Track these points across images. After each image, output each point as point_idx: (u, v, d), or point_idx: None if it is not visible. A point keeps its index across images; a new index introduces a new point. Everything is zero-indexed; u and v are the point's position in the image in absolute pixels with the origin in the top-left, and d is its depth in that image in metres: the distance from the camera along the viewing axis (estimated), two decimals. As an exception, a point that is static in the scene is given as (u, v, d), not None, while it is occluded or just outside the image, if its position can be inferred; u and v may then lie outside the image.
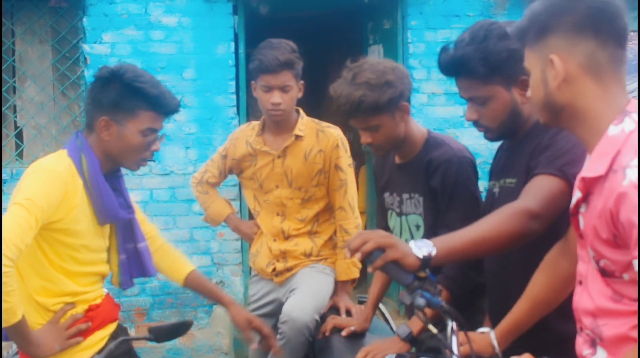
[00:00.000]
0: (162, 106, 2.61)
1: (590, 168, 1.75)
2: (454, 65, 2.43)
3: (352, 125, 2.85)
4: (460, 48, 2.42)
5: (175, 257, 3.07)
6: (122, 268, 2.81)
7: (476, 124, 2.49)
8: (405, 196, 3.00)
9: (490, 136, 2.51)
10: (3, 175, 5.85)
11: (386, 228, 3.10)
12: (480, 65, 2.37)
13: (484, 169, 3.35)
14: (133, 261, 2.83)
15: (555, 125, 1.93)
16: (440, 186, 2.82)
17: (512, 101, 2.42)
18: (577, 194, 1.81)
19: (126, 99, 2.57)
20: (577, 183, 1.81)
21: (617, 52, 1.79)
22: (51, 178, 2.49)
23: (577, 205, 1.82)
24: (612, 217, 1.66)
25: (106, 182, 2.63)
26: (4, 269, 2.25)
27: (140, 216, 2.95)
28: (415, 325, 2.77)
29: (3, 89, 5.96)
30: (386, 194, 3.13)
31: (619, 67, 1.79)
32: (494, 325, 2.42)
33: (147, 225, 2.99)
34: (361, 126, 2.83)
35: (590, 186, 1.75)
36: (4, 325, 2.36)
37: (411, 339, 2.77)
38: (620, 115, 1.75)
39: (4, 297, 2.28)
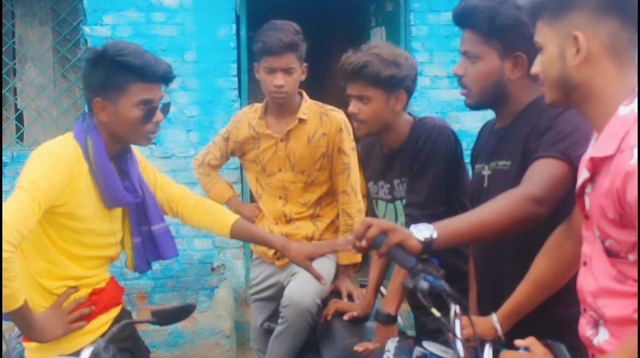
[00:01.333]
0: (148, 74, 2.55)
1: (599, 147, 1.74)
2: (464, 13, 2.44)
3: (348, 92, 2.93)
4: (476, 5, 2.43)
5: (215, 211, 2.98)
6: (136, 251, 2.79)
7: (460, 82, 2.48)
8: (396, 181, 3.04)
9: (469, 102, 2.48)
10: (3, 158, 5.83)
11: (375, 217, 3.12)
12: (485, 20, 2.37)
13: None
14: (148, 245, 2.80)
15: (564, 104, 1.91)
16: (417, 152, 2.90)
17: (500, 71, 2.40)
18: (584, 174, 1.80)
19: (113, 75, 2.53)
20: (586, 162, 1.80)
21: (636, 35, 1.77)
22: (56, 162, 2.47)
23: (583, 185, 1.81)
24: (618, 196, 1.65)
25: (111, 165, 2.60)
26: (4, 255, 2.24)
27: (164, 180, 2.92)
28: (389, 305, 2.84)
29: (3, 72, 5.94)
30: (370, 184, 3.19)
31: (635, 50, 1.78)
32: (483, 311, 2.43)
33: (174, 188, 2.95)
34: (355, 93, 2.91)
35: (599, 166, 1.75)
36: (5, 310, 2.35)
37: (393, 320, 2.84)
38: (631, 96, 1.74)
39: (5, 283, 2.27)
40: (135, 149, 2.81)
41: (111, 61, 2.53)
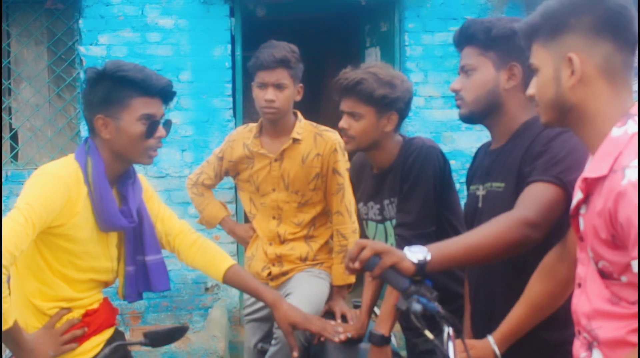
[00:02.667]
0: (149, 87, 2.54)
1: (593, 168, 1.75)
2: (463, 30, 2.47)
3: (341, 108, 2.97)
4: (474, 20, 2.51)
5: (211, 253, 2.89)
6: (127, 280, 2.75)
7: (457, 97, 2.49)
8: (386, 201, 3.05)
9: (463, 112, 2.48)
10: (-2, 177, 5.83)
11: (365, 238, 3.15)
12: (482, 32, 2.41)
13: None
14: (140, 275, 2.76)
15: (559, 125, 1.92)
16: (406, 172, 2.91)
17: (495, 81, 2.41)
18: (578, 195, 1.81)
19: (114, 91, 2.53)
20: (579, 183, 1.81)
21: (630, 57, 1.80)
22: (54, 183, 2.46)
23: (578, 206, 1.81)
24: (610, 217, 1.66)
25: (110, 188, 2.58)
26: None
27: (166, 213, 2.88)
28: (383, 326, 2.84)
29: (-2, 91, 5.94)
30: (360, 205, 3.21)
31: (629, 72, 1.80)
32: (477, 332, 2.42)
33: (174, 222, 2.90)
34: (347, 109, 2.95)
35: (592, 186, 1.75)
36: None
37: (386, 341, 2.84)
38: (624, 117, 1.75)
39: None
40: (143, 179, 2.80)
41: (112, 77, 2.53)
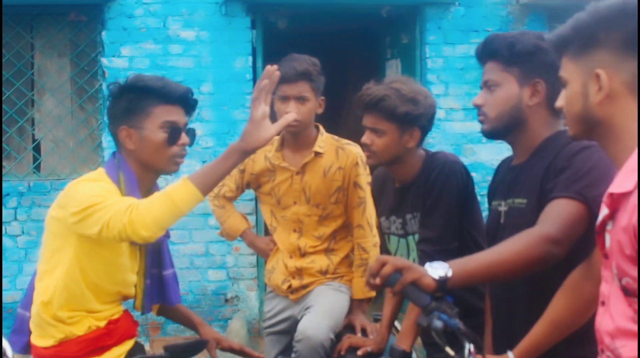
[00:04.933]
0: (169, 94, 2.59)
1: (619, 183, 1.73)
2: (486, 45, 2.47)
3: (363, 123, 2.97)
4: (497, 35, 2.50)
5: None
6: (146, 292, 2.77)
7: (479, 112, 2.48)
8: (409, 216, 3.04)
9: (486, 127, 2.47)
10: (19, 188, 5.87)
11: (387, 252, 3.14)
12: (506, 48, 2.40)
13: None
14: (155, 288, 2.79)
15: (587, 138, 1.91)
16: (429, 187, 2.91)
17: (518, 98, 2.40)
18: (604, 211, 1.79)
19: (135, 101, 2.58)
20: (605, 199, 1.79)
21: None
22: (102, 186, 2.50)
23: (604, 222, 1.79)
24: (634, 232, 1.64)
25: None
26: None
27: None
28: (404, 341, 2.84)
29: (21, 102, 6.00)
30: (382, 219, 3.20)
31: None
32: (498, 348, 2.40)
33: None
34: (370, 125, 2.95)
35: (618, 202, 1.73)
36: None
37: (407, 356, 2.84)
38: None
39: None
40: None
41: (133, 87, 2.59)
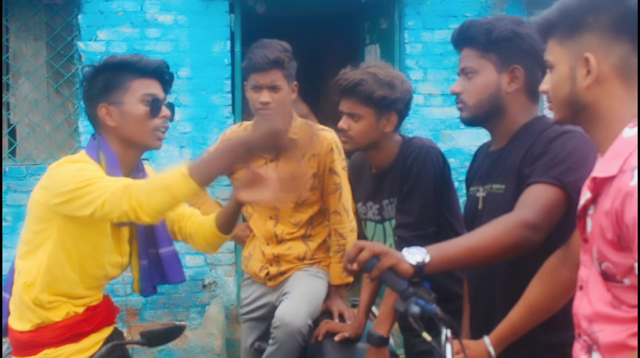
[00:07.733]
0: (145, 67, 2.58)
1: (602, 168, 1.74)
2: (462, 31, 2.45)
3: (340, 108, 2.98)
4: (473, 21, 2.47)
5: (200, 221, 2.81)
6: (142, 274, 2.74)
7: (457, 100, 2.48)
8: (385, 201, 3.04)
9: (465, 115, 2.46)
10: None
11: (364, 238, 3.14)
12: (483, 34, 2.38)
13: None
14: (154, 268, 2.76)
15: (571, 123, 1.91)
16: (406, 172, 2.91)
17: (497, 84, 2.39)
18: (586, 195, 1.79)
19: (112, 78, 2.57)
20: (588, 183, 1.79)
21: None
22: (87, 166, 2.46)
23: (585, 207, 1.80)
24: (617, 217, 1.65)
25: None
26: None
27: None
28: (381, 326, 2.85)
29: (-4, 87, 5.93)
30: (359, 205, 3.21)
31: None
32: (476, 333, 2.41)
33: (186, 207, 2.85)
34: (347, 110, 2.95)
35: (601, 186, 1.74)
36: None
37: (385, 342, 2.84)
38: (636, 118, 1.73)
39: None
40: (150, 170, 2.79)
41: (109, 65, 2.58)
